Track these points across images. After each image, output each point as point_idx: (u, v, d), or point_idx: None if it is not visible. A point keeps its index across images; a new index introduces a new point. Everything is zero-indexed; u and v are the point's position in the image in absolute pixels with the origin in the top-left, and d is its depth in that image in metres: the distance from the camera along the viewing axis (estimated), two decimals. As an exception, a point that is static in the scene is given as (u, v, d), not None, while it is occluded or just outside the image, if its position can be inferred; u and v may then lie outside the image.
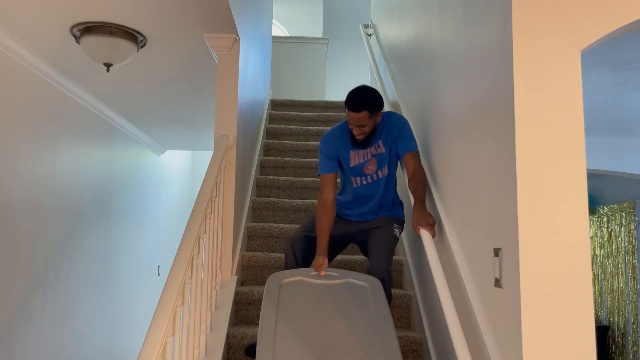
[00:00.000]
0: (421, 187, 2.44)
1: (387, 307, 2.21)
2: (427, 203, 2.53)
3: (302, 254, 2.60)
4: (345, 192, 2.70)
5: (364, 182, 2.60)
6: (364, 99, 2.42)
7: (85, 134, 4.08)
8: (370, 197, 2.61)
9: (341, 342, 2.03)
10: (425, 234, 2.25)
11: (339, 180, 2.70)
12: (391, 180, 2.62)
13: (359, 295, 2.26)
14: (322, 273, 2.36)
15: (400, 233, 2.60)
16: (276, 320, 2.11)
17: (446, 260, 2.26)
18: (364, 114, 2.41)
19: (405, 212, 2.73)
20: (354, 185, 2.62)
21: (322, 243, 2.48)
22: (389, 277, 2.45)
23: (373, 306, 2.20)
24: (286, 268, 2.62)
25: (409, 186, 2.49)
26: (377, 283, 2.32)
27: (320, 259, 2.42)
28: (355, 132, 2.48)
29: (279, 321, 2.11)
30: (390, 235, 2.54)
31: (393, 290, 2.95)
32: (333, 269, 2.42)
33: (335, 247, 2.71)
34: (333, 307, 2.20)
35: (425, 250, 2.18)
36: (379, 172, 2.58)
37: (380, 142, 2.56)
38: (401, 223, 2.62)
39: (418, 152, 2.57)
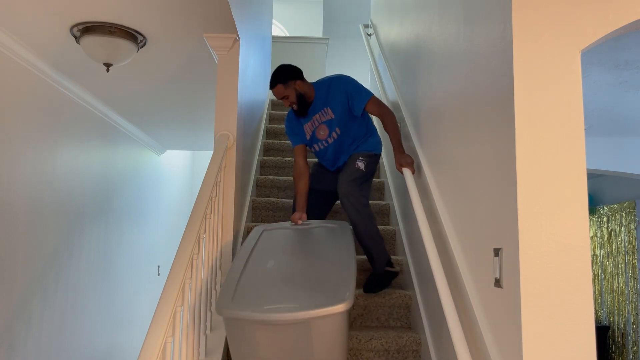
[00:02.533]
0: (392, 129, 2.82)
1: (352, 240, 2.42)
2: (427, 204, 2.56)
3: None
4: (318, 157, 3.12)
5: (322, 146, 3.00)
6: (273, 77, 2.88)
7: (85, 134, 4.08)
8: (334, 153, 3.00)
9: (302, 275, 2.13)
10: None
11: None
12: (349, 132, 2.94)
13: (327, 234, 2.50)
14: (299, 222, 2.74)
15: (365, 165, 2.87)
16: (248, 259, 2.29)
17: (446, 260, 2.26)
18: (279, 87, 2.86)
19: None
20: (317, 150, 3.04)
21: (300, 201, 2.89)
22: (356, 199, 2.75)
23: (339, 239, 2.41)
24: None
25: (386, 131, 2.87)
26: (346, 225, 2.60)
27: (298, 214, 2.79)
28: (285, 104, 2.92)
29: (250, 261, 2.29)
30: (352, 167, 2.84)
31: (393, 290, 2.98)
32: (311, 220, 2.75)
33: (326, 201, 3.11)
34: (302, 245, 2.44)
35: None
36: (333, 134, 2.95)
37: (327, 109, 2.92)
38: (367, 155, 2.90)
39: (373, 97, 2.90)
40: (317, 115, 2.95)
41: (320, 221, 2.73)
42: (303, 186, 2.92)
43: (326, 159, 3.06)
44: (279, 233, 2.59)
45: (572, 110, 1.62)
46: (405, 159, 2.73)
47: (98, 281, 4.38)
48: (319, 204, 3.09)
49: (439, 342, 2.38)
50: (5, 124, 3.01)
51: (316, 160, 3.23)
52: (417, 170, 2.81)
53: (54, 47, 3.09)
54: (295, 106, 2.91)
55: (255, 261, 2.28)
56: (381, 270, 2.89)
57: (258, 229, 2.67)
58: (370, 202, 3.57)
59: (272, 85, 2.89)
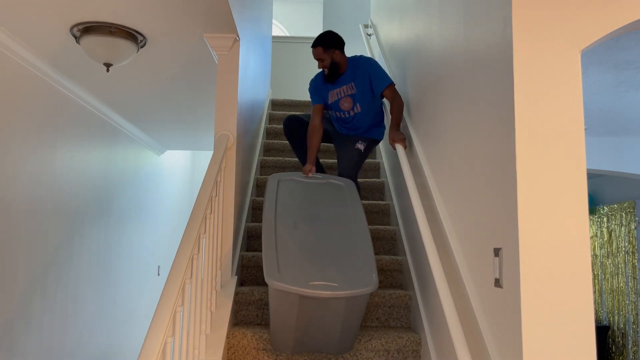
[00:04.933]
0: (397, 111, 3.13)
1: (359, 203, 2.81)
2: (427, 204, 2.56)
3: (292, 132, 3.48)
4: (334, 120, 3.46)
5: (343, 116, 3.33)
6: (319, 38, 3.20)
7: (85, 134, 4.08)
8: (348, 124, 3.36)
9: (331, 251, 2.51)
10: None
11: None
12: (368, 112, 3.27)
13: (337, 191, 2.94)
14: (310, 175, 3.04)
15: (365, 147, 3.27)
16: (275, 219, 2.63)
17: (446, 260, 2.26)
18: (319, 49, 3.18)
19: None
20: (336, 116, 3.38)
21: (312, 155, 3.21)
22: (354, 178, 3.21)
23: (349, 203, 2.83)
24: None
25: (390, 112, 3.17)
26: (350, 183, 3.00)
27: (309, 166, 3.09)
28: (319, 65, 3.23)
29: (277, 220, 2.63)
30: (353, 148, 3.25)
31: (393, 290, 3.00)
32: (317, 173, 3.09)
33: (325, 137, 3.51)
34: (319, 202, 2.83)
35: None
36: (355, 108, 3.27)
37: (353, 83, 3.23)
38: (366, 140, 3.29)
39: (392, 84, 3.20)
40: (344, 87, 3.25)
41: (328, 176, 3.06)
42: (316, 142, 3.24)
43: (341, 125, 3.40)
44: (294, 186, 2.94)
45: (572, 110, 1.62)
46: (398, 135, 3.00)
47: (98, 281, 4.38)
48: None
49: (439, 342, 2.38)
50: (5, 124, 3.01)
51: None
52: (417, 171, 2.81)
53: (54, 47, 3.09)
54: (327, 70, 3.22)
55: (282, 221, 2.63)
56: None
57: (273, 179, 2.93)
58: (370, 202, 3.83)
59: (314, 45, 3.19)
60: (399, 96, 3.18)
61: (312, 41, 6.46)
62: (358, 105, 3.25)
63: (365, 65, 3.22)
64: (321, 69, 3.29)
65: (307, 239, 2.56)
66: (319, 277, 2.33)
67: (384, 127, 3.44)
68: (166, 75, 3.61)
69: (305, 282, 2.28)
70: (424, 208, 2.52)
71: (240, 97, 3.13)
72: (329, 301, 2.31)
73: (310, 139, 3.25)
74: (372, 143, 3.36)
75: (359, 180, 3.96)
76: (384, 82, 3.19)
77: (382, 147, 4.29)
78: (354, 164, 3.23)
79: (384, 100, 3.42)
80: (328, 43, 3.17)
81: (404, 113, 3.28)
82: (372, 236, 3.52)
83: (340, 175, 3.19)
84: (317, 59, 3.20)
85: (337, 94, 3.28)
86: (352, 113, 3.28)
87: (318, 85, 3.33)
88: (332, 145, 4.22)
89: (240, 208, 3.28)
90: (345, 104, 3.27)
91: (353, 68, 3.22)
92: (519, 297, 1.56)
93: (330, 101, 3.31)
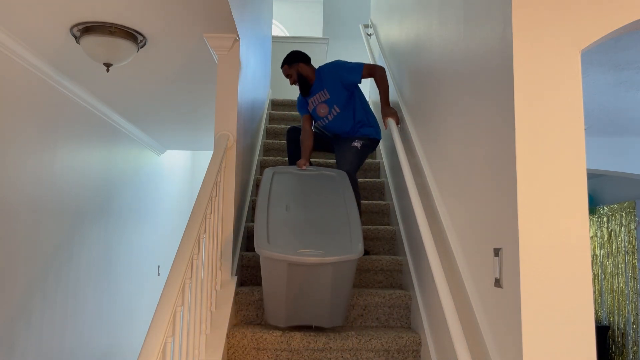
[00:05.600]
0: (382, 84, 3.37)
1: (351, 190, 2.94)
2: (427, 204, 2.56)
3: (295, 143, 3.71)
4: (321, 129, 3.69)
5: (324, 122, 3.53)
6: (284, 58, 3.47)
7: (85, 134, 4.08)
8: (333, 127, 3.52)
9: (320, 224, 2.64)
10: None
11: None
12: (347, 109, 3.44)
13: (329, 181, 3.07)
14: (304, 168, 3.21)
15: (361, 145, 3.39)
16: (268, 202, 2.77)
17: (446, 260, 2.26)
18: (285, 67, 3.47)
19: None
20: (321, 125, 3.60)
21: (305, 153, 3.44)
22: (352, 176, 3.30)
23: (341, 189, 2.95)
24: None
25: (376, 86, 3.41)
26: (343, 174, 3.13)
27: (303, 160, 3.31)
28: (290, 82, 3.50)
29: (270, 203, 2.77)
30: (349, 146, 3.39)
31: (393, 290, 2.99)
32: (311, 166, 3.24)
33: (320, 143, 3.70)
34: (311, 190, 2.95)
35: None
36: (333, 112, 3.45)
37: (324, 90, 3.42)
38: (362, 139, 3.41)
39: (363, 66, 3.36)
40: (317, 95, 3.45)
41: (321, 168, 3.20)
42: (309, 143, 3.50)
43: (327, 130, 3.61)
44: (288, 177, 3.07)
45: (572, 111, 1.62)
46: (389, 110, 3.30)
47: (98, 281, 4.38)
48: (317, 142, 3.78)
49: (439, 342, 2.38)
50: (5, 124, 3.01)
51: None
52: (417, 170, 2.81)
53: (54, 47, 3.09)
54: (296, 84, 3.47)
55: (274, 204, 2.77)
56: None
57: (269, 171, 3.08)
58: (370, 202, 3.84)
59: (282, 65, 3.48)
60: (375, 66, 3.38)
61: (312, 41, 6.50)
62: (335, 106, 3.42)
63: (331, 69, 3.41)
64: (293, 84, 3.54)
65: (297, 218, 2.68)
66: (307, 246, 2.45)
67: (379, 128, 3.52)
68: (166, 75, 3.61)
69: (293, 250, 2.41)
70: (424, 208, 2.52)
71: (240, 97, 3.13)
72: (316, 268, 2.41)
73: (303, 141, 3.50)
74: (369, 142, 3.44)
75: (359, 180, 3.98)
76: (355, 70, 3.37)
77: (382, 147, 4.29)
78: (350, 162, 3.33)
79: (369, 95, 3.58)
80: (290, 59, 3.45)
81: (403, 113, 3.28)
82: (372, 236, 3.53)
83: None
84: (286, 76, 3.48)
85: (312, 102, 3.49)
86: (330, 117, 3.46)
87: (300, 100, 3.60)
88: (330, 154, 4.31)
89: (240, 208, 3.28)
90: (322, 111, 3.47)
91: (320, 77, 3.43)
92: (519, 297, 1.56)
93: (310, 111, 3.55)
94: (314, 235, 2.55)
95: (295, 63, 3.44)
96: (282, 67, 3.49)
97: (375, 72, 3.39)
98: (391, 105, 3.68)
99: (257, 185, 4.01)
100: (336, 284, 2.48)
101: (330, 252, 2.41)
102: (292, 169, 3.18)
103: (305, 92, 3.47)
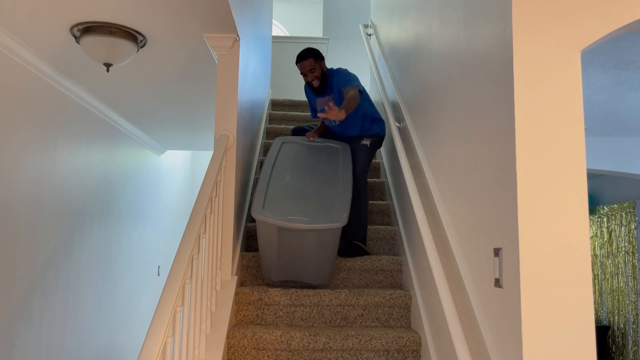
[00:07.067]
0: (347, 100, 3.25)
1: (350, 161, 3.21)
2: (427, 205, 2.57)
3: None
4: (328, 127, 3.69)
5: (330, 124, 3.59)
6: (307, 50, 3.40)
7: (85, 134, 4.08)
8: (340, 131, 3.59)
9: (313, 193, 2.94)
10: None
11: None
12: (355, 118, 3.47)
13: (333, 152, 3.31)
14: (311, 139, 3.43)
15: (370, 142, 3.48)
16: (272, 170, 3.07)
17: (446, 260, 2.26)
18: (311, 60, 3.38)
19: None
20: (327, 123, 3.62)
21: (319, 130, 3.59)
22: (362, 177, 3.41)
23: (341, 161, 3.22)
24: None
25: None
26: (346, 147, 3.38)
27: (312, 133, 3.51)
28: (309, 79, 3.44)
29: (273, 171, 3.05)
30: (358, 144, 3.46)
31: (393, 290, 2.99)
32: (318, 138, 3.46)
33: (329, 134, 3.72)
34: (314, 160, 3.22)
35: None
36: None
37: (331, 95, 3.49)
38: (371, 136, 3.49)
39: (354, 86, 3.31)
40: (327, 97, 3.52)
41: (328, 140, 3.43)
42: (323, 127, 3.63)
43: (335, 132, 3.65)
44: (295, 147, 3.33)
45: (572, 110, 1.62)
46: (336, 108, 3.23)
47: (98, 281, 4.38)
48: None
49: (439, 342, 2.38)
50: (5, 124, 3.01)
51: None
52: (417, 171, 2.81)
53: (54, 47, 3.09)
54: (317, 82, 3.44)
55: (277, 173, 3.05)
56: (360, 239, 3.35)
57: (278, 141, 3.34)
58: (370, 202, 3.85)
59: (305, 57, 3.38)
60: (354, 95, 3.25)
61: (312, 41, 6.48)
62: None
63: (336, 77, 3.46)
64: (311, 81, 3.47)
65: (294, 186, 2.98)
66: (297, 213, 2.77)
67: (383, 122, 3.60)
68: (166, 75, 3.61)
69: (283, 216, 2.74)
70: (424, 208, 2.52)
71: (240, 97, 3.13)
72: (302, 233, 2.74)
73: (320, 126, 3.67)
74: (377, 139, 3.53)
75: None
76: (346, 83, 3.37)
77: (382, 147, 4.29)
78: (361, 160, 3.40)
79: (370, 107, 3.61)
80: (317, 55, 3.42)
81: (403, 113, 3.28)
82: (372, 236, 3.53)
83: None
84: (309, 70, 3.39)
85: (321, 103, 3.56)
86: (337, 122, 3.54)
87: (308, 95, 3.67)
88: None
89: (240, 208, 3.28)
90: None
91: (331, 79, 3.48)
92: (519, 297, 1.56)
93: (318, 109, 3.57)
94: (306, 203, 2.85)
95: (320, 60, 3.44)
96: (303, 60, 3.39)
97: (349, 93, 3.29)
98: (391, 105, 3.72)
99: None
100: (321, 247, 2.78)
101: (316, 220, 2.73)
102: (301, 139, 3.41)
103: (323, 90, 3.49)
